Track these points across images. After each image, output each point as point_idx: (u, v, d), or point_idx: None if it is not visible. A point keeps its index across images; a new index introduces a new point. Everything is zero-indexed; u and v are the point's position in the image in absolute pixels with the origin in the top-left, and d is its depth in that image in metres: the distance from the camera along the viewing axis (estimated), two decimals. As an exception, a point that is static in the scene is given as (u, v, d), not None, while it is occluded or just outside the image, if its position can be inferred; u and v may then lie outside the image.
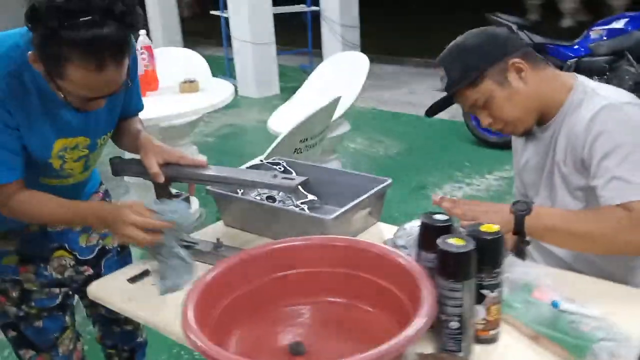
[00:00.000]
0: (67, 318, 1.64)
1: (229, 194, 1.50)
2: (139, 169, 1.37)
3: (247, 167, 1.66)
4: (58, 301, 1.58)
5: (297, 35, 7.87)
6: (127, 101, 1.49)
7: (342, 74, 3.84)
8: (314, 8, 7.12)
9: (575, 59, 3.99)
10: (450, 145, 4.53)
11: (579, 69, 3.96)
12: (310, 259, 1.11)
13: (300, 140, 2.65)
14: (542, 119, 1.41)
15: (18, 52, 1.20)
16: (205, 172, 1.31)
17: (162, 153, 1.37)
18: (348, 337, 1.10)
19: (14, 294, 1.53)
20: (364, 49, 7.13)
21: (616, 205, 1.23)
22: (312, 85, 3.96)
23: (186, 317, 0.93)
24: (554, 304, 1.10)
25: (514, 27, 4.08)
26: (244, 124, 5.58)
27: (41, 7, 1.06)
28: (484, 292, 1.05)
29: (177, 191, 1.42)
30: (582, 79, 1.38)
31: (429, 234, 1.07)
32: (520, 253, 1.29)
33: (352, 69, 3.76)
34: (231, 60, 6.77)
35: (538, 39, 4.07)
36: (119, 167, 1.44)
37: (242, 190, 1.52)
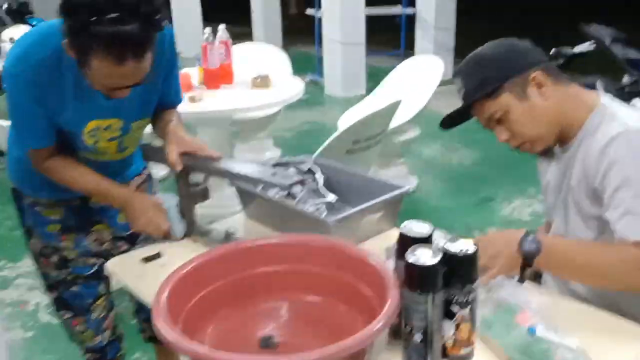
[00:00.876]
0: (102, 287, 1.77)
1: (248, 188, 1.57)
2: (163, 156, 1.46)
3: (272, 164, 1.71)
4: (93, 270, 1.72)
5: (391, 37, 7.84)
6: (165, 93, 1.59)
7: (416, 78, 3.81)
8: (409, 10, 7.07)
9: (673, 78, 3.69)
10: (529, 159, 4.33)
11: (677, 89, 3.67)
12: (290, 257, 1.14)
13: (353, 142, 2.67)
14: (563, 139, 1.35)
15: (58, 40, 1.33)
16: (215, 164, 1.38)
17: (183, 143, 1.45)
18: (321, 335, 1.12)
19: (54, 259, 1.69)
20: (457, 53, 6.99)
21: (632, 243, 1.16)
22: (385, 88, 3.96)
23: (157, 306, 0.98)
24: (531, 330, 1.06)
25: (608, 40, 3.84)
26: (324, 122, 5.65)
27: (73, 1, 1.17)
28: (454, 308, 1.03)
29: (196, 181, 1.51)
30: (606, 100, 1.30)
31: (405, 244, 1.06)
32: (521, 279, 1.25)
33: (427, 73, 3.72)
34: (322, 58, 6.88)
35: (633, 53, 3.80)
36: (147, 153, 1.55)
37: (262, 185, 1.58)
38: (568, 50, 4.00)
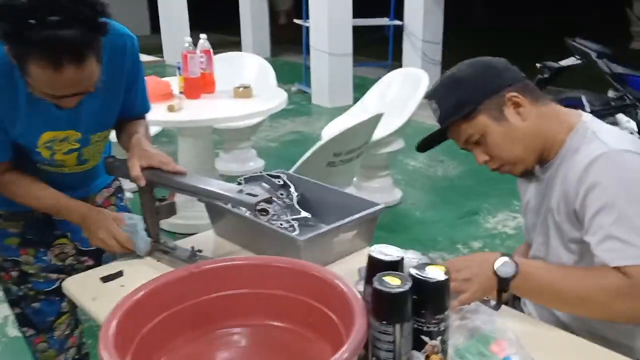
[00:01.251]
0: (65, 304, 1.69)
1: (217, 203, 1.50)
2: (126, 170, 1.39)
3: (245, 178, 1.65)
4: (54, 286, 1.64)
5: (379, 48, 7.84)
6: (130, 103, 1.52)
7: (401, 90, 3.77)
8: (396, 22, 7.06)
9: (658, 93, 3.68)
10: (515, 173, 4.31)
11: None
12: (250, 280, 1.08)
13: (334, 154, 2.61)
14: (543, 159, 1.29)
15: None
16: (179, 179, 1.31)
17: (146, 157, 1.38)
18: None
19: (14, 274, 1.60)
20: (445, 66, 6.98)
21: (612, 268, 1.11)
22: (370, 99, 3.92)
23: (105, 335, 0.90)
24: (505, 362, 1.00)
25: (593, 54, 3.83)
26: (310, 132, 5.60)
27: (5, 6, 1.10)
28: (424, 338, 0.97)
29: (162, 196, 1.44)
30: (586, 118, 1.25)
31: (373, 269, 1.00)
32: (497, 305, 1.19)
33: (412, 86, 3.68)
34: (309, 68, 6.84)
35: (618, 68, 3.79)
36: (111, 167, 1.47)
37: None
38: (554, 64, 3.98)
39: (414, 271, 0.96)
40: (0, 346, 2.48)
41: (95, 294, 1.31)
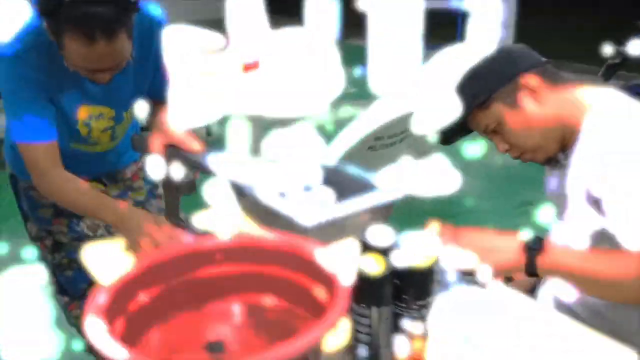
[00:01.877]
0: None
1: (238, 183, 1.52)
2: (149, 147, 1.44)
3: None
4: None
5: (449, 31, 7.65)
6: (156, 85, 1.57)
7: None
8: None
9: None
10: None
11: None
12: (249, 257, 1.09)
13: (376, 138, 2.58)
14: (566, 145, 1.24)
15: None
16: (196, 158, 1.36)
17: (168, 135, 1.43)
18: (276, 339, 1.07)
19: (48, 243, 1.71)
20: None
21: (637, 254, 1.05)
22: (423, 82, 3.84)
23: (94, 308, 0.93)
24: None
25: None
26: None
27: None
28: (406, 323, 0.96)
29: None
30: (606, 98, 1.18)
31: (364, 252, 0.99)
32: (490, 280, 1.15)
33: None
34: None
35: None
36: (136, 144, 1.53)
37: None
38: (627, 50, 3.75)
39: (394, 254, 0.95)
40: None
41: (110, 264, 1.37)
